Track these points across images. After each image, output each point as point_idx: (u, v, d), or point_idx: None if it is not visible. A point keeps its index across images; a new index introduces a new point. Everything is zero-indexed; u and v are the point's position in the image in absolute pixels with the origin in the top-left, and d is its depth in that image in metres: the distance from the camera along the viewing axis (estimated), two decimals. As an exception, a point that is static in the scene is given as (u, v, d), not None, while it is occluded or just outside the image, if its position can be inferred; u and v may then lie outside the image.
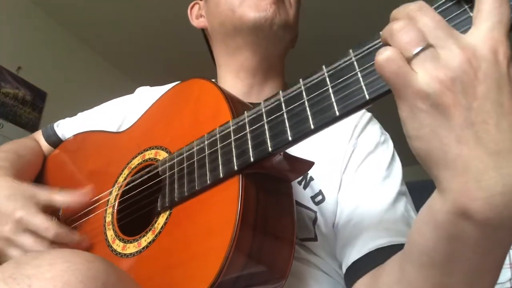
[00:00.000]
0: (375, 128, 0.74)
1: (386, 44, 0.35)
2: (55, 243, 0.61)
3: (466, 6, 0.34)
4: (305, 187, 0.66)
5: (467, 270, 0.37)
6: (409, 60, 0.33)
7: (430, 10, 0.33)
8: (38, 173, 0.85)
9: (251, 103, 0.58)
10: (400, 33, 0.33)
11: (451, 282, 0.38)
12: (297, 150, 0.49)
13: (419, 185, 1.00)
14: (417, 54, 0.32)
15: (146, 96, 0.85)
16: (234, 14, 0.74)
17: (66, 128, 0.90)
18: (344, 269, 0.62)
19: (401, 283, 0.44)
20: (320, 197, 0.65)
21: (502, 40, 0.31)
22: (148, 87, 0.91)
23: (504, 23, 0.31)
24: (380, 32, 0.37)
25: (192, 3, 0.89)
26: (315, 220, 0.64)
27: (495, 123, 0.31)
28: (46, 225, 0.60)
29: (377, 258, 0.55)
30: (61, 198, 0.66)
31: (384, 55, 0.33)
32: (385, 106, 0.45)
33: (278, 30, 0.74)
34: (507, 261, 0.90)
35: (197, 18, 0.87)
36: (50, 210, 0.78)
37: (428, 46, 0.32)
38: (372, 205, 0.63)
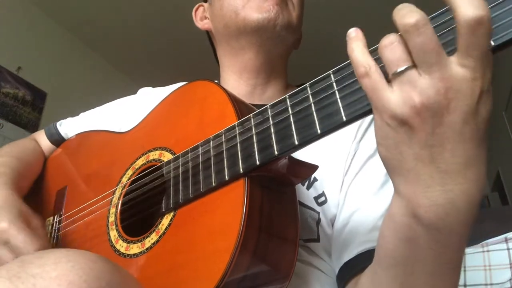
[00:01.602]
0: None
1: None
2: None
3: None
4: (308, 188, 0.66)
5: (427, 271, 0.41)
6: (390, 77, 0.35)
7: (427, 30, 0.33)
8: (39, 174, 0.85)
9: (254, 105, 0.58)
10: (387, 49, 0.35)
11: (416, 282, 0.42)
12: (302, 151, 0.49)
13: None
14: (398, 73, 0.34)
15: (148, 97, 0.86)
16: (238, 16, 0.75)
17: (69, 127, 0.90)
18: (336, 270, 0.63)
19: (374, 284, 0.49)
20: (323, 198, 0.66)
21: (476, 77, 0.32)
22: (150, 88, 0.92)
23: (481, 63, 0.32)
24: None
25: (197, 6, 0.90)
26: (318, 221, 0.65)
27: (451, 148, 0.34)
28: (27, 245, 0.57)
29: (365, 260, 0.56)
30: (35, 244, 0.60)
31: (364, 69, 0.36)
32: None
33: (281, 31, 0.75)
34: (507, 261, 0.90)
35: (201, 20, 0.88)
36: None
37: (410, 67, 0.34)
38: (368, 210, 0.63)
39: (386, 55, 0.35)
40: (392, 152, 0.37)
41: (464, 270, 0.87)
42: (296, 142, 0.43)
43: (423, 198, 0.36)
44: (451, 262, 0.41)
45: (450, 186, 0.35)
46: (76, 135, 0.86)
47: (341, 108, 0.40)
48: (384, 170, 0.67)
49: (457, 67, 0.33)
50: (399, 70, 0.34)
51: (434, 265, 0.40)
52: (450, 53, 0.33)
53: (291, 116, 0.44)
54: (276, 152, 0.45)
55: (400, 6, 0.34)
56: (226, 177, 0.49)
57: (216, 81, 0.85)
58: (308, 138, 0.42)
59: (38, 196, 0.83)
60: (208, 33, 0.90)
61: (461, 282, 0.87)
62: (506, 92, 3.22)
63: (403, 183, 0.37)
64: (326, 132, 0.41)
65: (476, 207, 0.36)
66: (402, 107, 0.34)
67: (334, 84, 0.41)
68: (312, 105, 0.42)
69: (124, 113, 0.87)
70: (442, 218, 0.36)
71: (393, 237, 0.41)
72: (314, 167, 0.53)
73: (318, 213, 0.65)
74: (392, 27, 0.38)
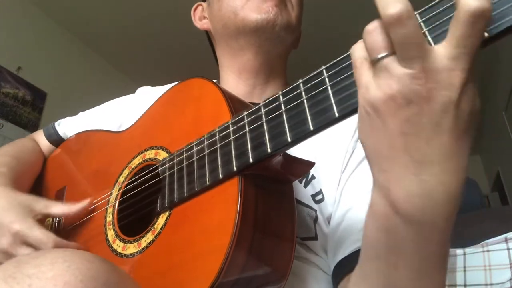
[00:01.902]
0: None
1: None
2: None
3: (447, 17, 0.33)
4: (306, 185, 0.66)
5: (410, 266, 0.40)
6: (371, 62, 0.34)
7: (410, 22, 0.32)
8: (38, 174, 0.85)
9: (252, 103, 0.58)
10: (369, 35, 0.34)
11: (399, 275, 0.41)
12: (300, 149, 0.49)
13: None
14: (377, 60, 0.34)
15: (147, 96, 0.85)
16: (237, 17, 0.75)
17: (67, 127, 0.90)
18: (331, 268, 0.62)
19: (361, 277, 0.48)
20: (320, 196, 0.66)
21: (463, 69, 0.32)
22: (149, 87, 0.92)
23: (471, 55, 0.31)
24: None
25: (195, 5, 0.90)
26: (316, 219, 0.64)
27: (426, 138, 0.33)
28: (44, 238, 0.60)
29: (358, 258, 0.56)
30: (58, 209, 0.66)
31: (358, 59, 0.36)
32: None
33: (280, 32, 0.75)
34: (507, 261, 0.90)
35: (200, 19, 0.88)
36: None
37: (389, 54, 0.33)
38: (362, 209, 0.63)
39: (367, 41, 0.34)
40: (369, 139, 0.37)
41: (464, 270, 0.87)
42: (289, 139, 0.43)
43: (398, 188, 0.35)
44: (435, 258, 0.40)
45: (425, 177, 0.34)
46: (75, 135, 0.87)
47: (333, 104, 0.39)
48: None
49: (441, 58, 0.32)
50: (378, 56, 0.34)
51: (417, 259, 0.39)
52: (435, 40, 0.33)
53: (283, 113, 0.44)
54: (269, 150, 0.45)
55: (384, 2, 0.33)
56: (220, 176, 0.49)
57: (215, 80, 0.85)
58: (301, 134, 0.42)
59: (38, 196, 0.82)
60: (207, 33, 0.90)
61: (461, 282, 0.87)
62: (506, 92, 3.21)
63: (379, 171, 0.37)
64: (318, 128, 0.40)
65: (456, 200, 0.35)
66: (376, 93, 0.34)
67: (327, 79, 0.40)
68: (305, 101, 0.42)
69: (123, 112, 0.87)
70: (419, 209, 0.35)
71: (374, 228, 0.41)
72: (310, 164, 0.53)
73: (315, 211, 0.65)
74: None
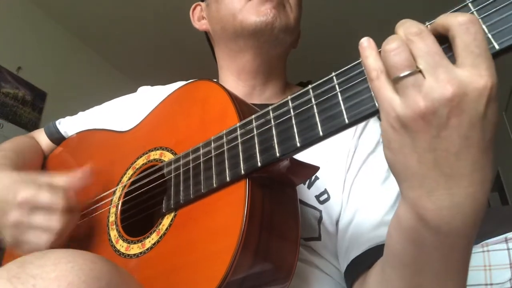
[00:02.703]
0: (375, 126, 0.75)
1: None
2: (67, 213, 0.59)
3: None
4: (309, 186, 0.66)
5: (434, 271, 0.41)
6: (395, 81, 0.35)
7: (429, 36, 0.34)
8: (38, 170, 0.85)
9: (254, 105, 0.58)
10: (391, 54, 0.35)
11: (423, 281, 0.42)
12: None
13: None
14: (402, 78, 0.34)
15: (148, 96, 0.86)
16: (235, 19, 0.75)
17: (68, 125, 0.90)
18: (344, 268, 0.63)
19: (382, 283, 0.49)
20: (325, 196, 0.66)
21: (485, 75, 0.33)
22: (149, 86, 0.92)
23: (484, 57, 0.33)
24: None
25: (194, 5, 0.90)
26: (320, 219, 0.65)
27: (455, 152, 0.34)
28: (54, 197, 0.58)
29: (373, 256, 0.57)
30: (62, 179, 0.63)
31: (373, 70, 0.36)
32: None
33: (279, 34, 0.75)
34: (507, 261, 0.90)
35: (199, 20, 0.88)
36: None
37: (415, 72, 0.34)
38: (372, 207, 0.64)
39: (391, 60, 0.35)
40: (397, 155, 0.37)
41: (464, 270, 0.87)
42: (298, 144, 0.43)
43: (428, 202, 0.36)
44: (459, 263, 0.41)
45: (455, 190, 0.35)
46: (77, 133, 0.86)
47: (344, 110, 0.40)
48: (385, 165, 0.68)
49: (462, 71, 0.33)
50: (403, 74, 0.34)
51: (442, 265, 0.40)
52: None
53: (293, 117, 0.44)
54: (277, 154, 0.45)
55: (403, 20, 0.36)
56: (228, 178, 0.49)
57: (214, 80, 0.85)
58: (310, 140, 0.42)
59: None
60: (206, 33, 0.90)
61: (461, 282, 0.87)
62: (506, 92, 3.22)
63: (408, 187, 0.37)
64: (328, 134, 0.41)
65: (483, 209, 0.36)
66: (405, 110, 0.34)
67: (337, 86, 0.41)
68: (314, 107, 0.42)
69: (124, 111, 0.87)
70: (448, 222, 0.36)
71: (400, 239, 0.42)
72: (315, 168, 0.53)
73: (320, 211, 0.65)
74: (389, 26, 0.39)
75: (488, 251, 0.90)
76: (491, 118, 0.34)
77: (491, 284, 0.92)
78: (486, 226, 0.98)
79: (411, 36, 0.34)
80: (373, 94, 0.38)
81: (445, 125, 0.33)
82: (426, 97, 0.33)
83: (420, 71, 0.34)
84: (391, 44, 0.35)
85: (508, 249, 0.95)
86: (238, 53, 0.79)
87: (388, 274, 0.47)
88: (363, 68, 0.39)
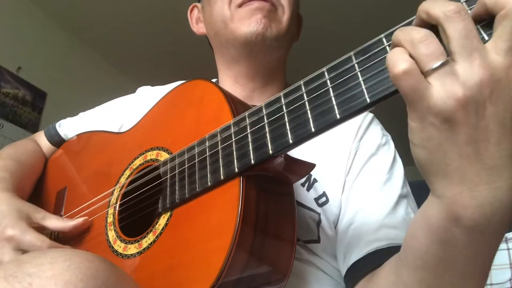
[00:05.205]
0: (377, 129, 0.75)
1: (395, 45, 0.34)
2: None
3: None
4: (308, 189, 0.66)
5: (456, 272, 0.39)
6: (426, 73, 0.32)
7: (467, 16, 0.32)
8: (39, 176, 0.85)
9: (253, 106, 0.58)
10: (422, 45, 0.32)
11: (442, 283, 0.41)
12: (301, 151, 0.49)
13: (417, 185, 1.00)
14: (436, 68, 0.32)
15: (147, 96, 0.86)
16: (227, 28, 0.74)
17: (68, 128, 0.91)
18: (344, 271, 0.62)
19: (397, 286, 0.47)
20: (324, 199, 0.66)
21: None
22: (149, 86, 0.91)
23: None
24: (382, 35, 0.38)
25: (191, 6, 0.89)
26: (319, 222, 0.64)
27: (495, 142, 0.32)
28: (38, 242, 0.59)
29: (375, 259, 0.56)
30: (54, 223, 0.66)
31: (401, 68, 0.32)
32: (386, 105, 0.45)
33: (271, 43, 0.73)
34: (507, 261, 0.90)
35: (197, 23, 0.87)
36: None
37: (448, 60, 0.32)
38: (372, 210, 0.63)
39: (421, 51, 0.32)
40: (435, 154, 0.34)
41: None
42: (290, 141, 0.43)
43: (470, 199, 0.34)
44: (485, 262, 0.40)
45: (498, 183, 0.33)
46: (76, 136, 0.87)
47: (335, 106, 0.39)
48: (386, 168, 0.68)
49: (494, 54, 0.31)
50: (437, 64, 0.32)
51: (467, 266, 0.39)
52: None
53: (285, 114, 0.44)
54: (270, 151, 0.45)
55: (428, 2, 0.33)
56: (222, 177, 0.49)
57: (214, 80, 0.85)
58: (302, 136, 0.42)
59: (39, 197, 0.83)
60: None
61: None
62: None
63: (445, 185, 0.35)
64: (320, 130, 0.40)
65: None
66: (446, 102, 0.32)
67: (328, 81, 0.40)
68: (306, 103, 0.42)
69: (124, 112, 0.87)
70: (488, 218, 0.34)
71: (427, 239, 0.39)
72: (311, 166, 0.53)
73: (319, 214, 0.65)
74: (388, 25, 0.38)
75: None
76: None
77: (491, 284, 0.92)
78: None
79: (450, 15, 0.31)
80: (364, 89, 0.37)
81: (483, 114, 0.32)
82: (464, 84, 0.31)
83: (453, 59, 0.32)
84: (419, 34, 0.33)
85: (508, 249, 0.95)
86: (232, 60, 0.78)
87: (404, 276, 0.45)
88: (354, 61, 0.38)
